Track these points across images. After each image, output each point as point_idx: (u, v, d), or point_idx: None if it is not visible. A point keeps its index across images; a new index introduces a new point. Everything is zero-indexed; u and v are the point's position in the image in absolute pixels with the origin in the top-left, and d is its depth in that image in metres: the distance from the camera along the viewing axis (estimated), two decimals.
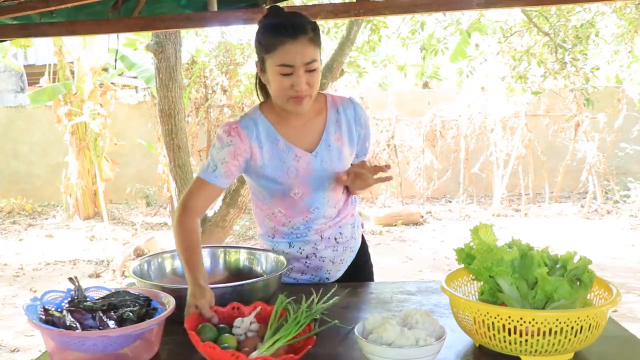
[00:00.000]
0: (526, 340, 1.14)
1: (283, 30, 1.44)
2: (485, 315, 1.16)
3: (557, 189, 8.37)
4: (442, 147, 8.18)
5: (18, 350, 3.81)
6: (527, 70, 6.13)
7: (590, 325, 1.14)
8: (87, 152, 8.17)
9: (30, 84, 12.00)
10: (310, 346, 1.15)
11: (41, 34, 2.66)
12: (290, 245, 1.72)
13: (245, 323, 1.25)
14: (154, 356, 1.25)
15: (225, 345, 1.16)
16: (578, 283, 1.25)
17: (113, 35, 3.30)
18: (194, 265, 1.44)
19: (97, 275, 5.57)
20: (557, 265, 1.28)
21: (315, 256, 1.73)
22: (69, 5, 2.46)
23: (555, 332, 1.12)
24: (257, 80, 1.63)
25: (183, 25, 2.72)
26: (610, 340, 1.30)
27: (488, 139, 8.02)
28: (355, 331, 1.18)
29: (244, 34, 8.16)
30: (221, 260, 1.75)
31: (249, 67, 8.01)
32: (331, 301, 1.30)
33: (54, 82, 8.07)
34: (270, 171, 1.60)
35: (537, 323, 1.12)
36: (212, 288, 1.39)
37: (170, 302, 1.28)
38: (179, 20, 2.62)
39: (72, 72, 8.16)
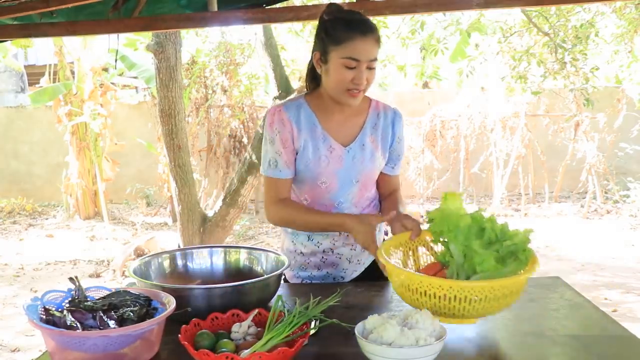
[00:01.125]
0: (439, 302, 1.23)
1: (355, 26, 1.53)
2: (406, 281, 1.28)
3: (557, 189, 8.37)
4: (442, 147, 8.17)
5: (18, 350, 3.82)
6: (527, 70, 6.12)
7: (496, 295, 1.21)
8: (88, 152, 8.18)
9: (30, 84, 12.00)
10: (304, 342, 1.16)
11: (41, 34, 2.67)
12: (309, 238, 1.75)
13: (243, 327, 1.25)
14: (155, 356, 1.26)
15: (223, 349, 1.16)
16: (514, 259, 1.33)
17: (113, 36, 3.30)
18: (325, 213, 1.65)
19: (98, 275, 5.57)
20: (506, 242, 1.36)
21: (332, 252, 1.76)
22: (69, 5, 2.46)
23: (460, 299, 1.21)
24: (308, 71, 1.69)
25: (183, 26, 2.72)
26: (610, 340, 1.30)
27: (488, 139, 8.02)
28: (356, 331, 1.19)
29: (244, 34, 8.15)
30: (221, 260, 1.75)
31: (249, 67, 8.01)
32: (325, 302, 1.30)
33: (54, 82, 8.07)
34: (304, 155, 1.66)
35: (451, 289, 1.21)
36: (212, 288, 1.40)
37: (170, 302, 1.28)
38: (179, 20, 2.62)
39: (73, 72, 8.16)
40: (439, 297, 1.23)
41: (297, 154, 1.68)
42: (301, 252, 1.78)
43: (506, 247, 1.31)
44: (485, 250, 1.30)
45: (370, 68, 1.55)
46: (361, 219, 1.55)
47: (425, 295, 1.24)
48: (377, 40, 1.56)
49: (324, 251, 1.76)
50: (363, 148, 1.68)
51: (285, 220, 1.71)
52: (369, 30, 1.53)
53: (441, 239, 1.43)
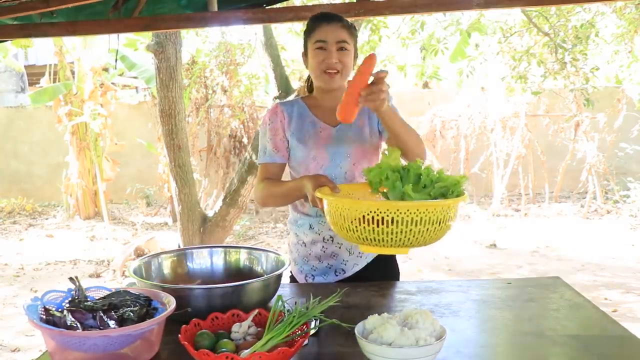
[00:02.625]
0: (372, 229, 1.31)
1: (322, 17, 1.77)
2: (340, 208, 1.36)
3: (557, 189, 8.37)
4: (442, 147, 8.17)
5: (18, 350, 3.82)
6: (527, 70, 6.13)
7: (421, 219, 1.29)
8: (88, 152, 8.18)
9: (30, 84, 12.00)
10: (304, 342, 1.16)
11: (41, 34, 2.66)
12: (310, 227, 1.82)
13: (243, 327, 1.25)
14: (155, 356, 1.26)
15: (223, 349, 1.16)
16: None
17: (113, 36, 3.29)
18: (293, 180, 1.79)
19: (98, 275, 5.57)
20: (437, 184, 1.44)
21: (332, 240, 1.82)
22: (70, 5, 2.46)
23: (397, 221, 1.29)
24: (308, 79, 1.90)
25: (183, 26, 2.72)
26: (610, 340, 1.30)
27: (488, 139, 8.01)
28: (356, 331, 1.19)
29: (244, 34, 8.15)
30: (221, 260, 1.75)
31: (249, 67, 8.01)
32: (325, 302, 1.30)
33: (54, 82, 8.07)
34: (293, 138, 1.81)
35: (379, 212, 1.29)
36: (212, 288, 1.40)
37: (170, 302, 1.28)
38: (179, 20, 2.62)
39: (73, 72, 8.16)
40: (368, 220, 1.31)
41: (288, 142, 1.82)
42: (303, 243, 1.85)
43: (437, 189, 1.41)
44: (417, 193, 1.40)
45: (341, 49, 1.73)
46: (312, 177, 1.63)
47: (360, 222, 1.32)
48: (345, 27, 1.74)
49: (324, 239, 1.81)
50: (351, 126, 1.79)
51: (266, 196, 1.82)
52: (335, 19, 1.74)
53: (380, 190, 1.52)
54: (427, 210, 1.30)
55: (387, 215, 1.29)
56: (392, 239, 1.32)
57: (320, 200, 1.49)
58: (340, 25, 1.74)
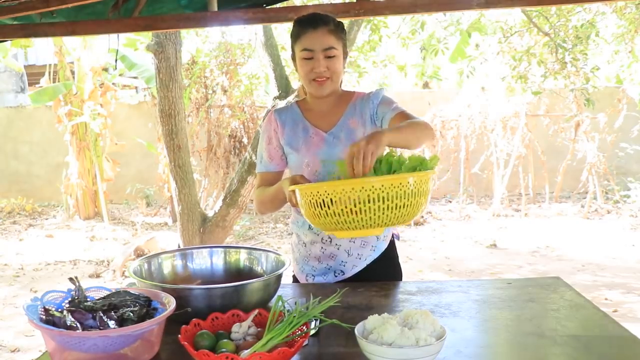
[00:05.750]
0: (341, 214, 1.31)
1: (306, 22, 1.71)
2: (311, 195, 1.35)
3: (557, 189, 8.37)
4: (442, 147, 8.17)
5: (18, 350, 3.82)
6: (527, 70, 6.13)
7: (397, 194, 1.28)
8: (88, 152, 8.18)
9: (30, 84, 12.00)
10: (304, 342, 1.15)
11: (41, 34, 2.66)
12: (309, 227, 1.81)
13: (243, 327, 1.25)
14: (155, 356, 1.25)
15: (223, 350, 1.16)
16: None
17: (113, 36, 3.29)
18: (270, 187, 1.79)
19: (98, 276, 5.57)
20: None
21: (331, 242, 1.81)
22: (70, 5, 2.46)
23: (364, 200, 1.28)
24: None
25: (183, 25, 2.72)
26: (610, 340, 1.30)
27: (488, 139, 8.02)
28: (356, 331, 1.18)
29: (244, 34, 8.16)
30: (221, 260, 1.75)
31: (249, 67, 8.02)
32: (325, 302, 1.30)
33: (54, 82, 8.07)
34: (288, 142, 1.81)
35: (335, 193, 1.29)
36: (212, 288, 1.40)
37: (170, 302, 1.28)
38: (179, 20, 2.62)
39: (73, 72, 8.16)
40: (334, 202, 1.30)
41: (283, 149, 1.83)
42: (304, 243, 1.86)
43: (404, 170, 1.39)
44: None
45: (329, 57, 1.68)
46: (289, 178, 1.63)
47: (331, 206, 1.31)
48: (332, 32, 1.69)
49: (322, 240, 1.81)
50: (343, 130, 1.78)
51: (258, 203, 1.86)
52: (321, 23, 1.68)
53: None
54: (382, 186, 1.29)
55: (345, 195, 1.30)
56: (362, 218, 1.32)
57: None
58: (326, 31, 1.68)
